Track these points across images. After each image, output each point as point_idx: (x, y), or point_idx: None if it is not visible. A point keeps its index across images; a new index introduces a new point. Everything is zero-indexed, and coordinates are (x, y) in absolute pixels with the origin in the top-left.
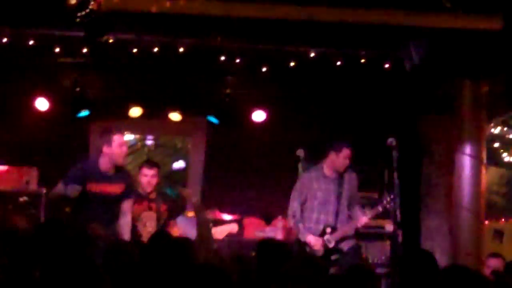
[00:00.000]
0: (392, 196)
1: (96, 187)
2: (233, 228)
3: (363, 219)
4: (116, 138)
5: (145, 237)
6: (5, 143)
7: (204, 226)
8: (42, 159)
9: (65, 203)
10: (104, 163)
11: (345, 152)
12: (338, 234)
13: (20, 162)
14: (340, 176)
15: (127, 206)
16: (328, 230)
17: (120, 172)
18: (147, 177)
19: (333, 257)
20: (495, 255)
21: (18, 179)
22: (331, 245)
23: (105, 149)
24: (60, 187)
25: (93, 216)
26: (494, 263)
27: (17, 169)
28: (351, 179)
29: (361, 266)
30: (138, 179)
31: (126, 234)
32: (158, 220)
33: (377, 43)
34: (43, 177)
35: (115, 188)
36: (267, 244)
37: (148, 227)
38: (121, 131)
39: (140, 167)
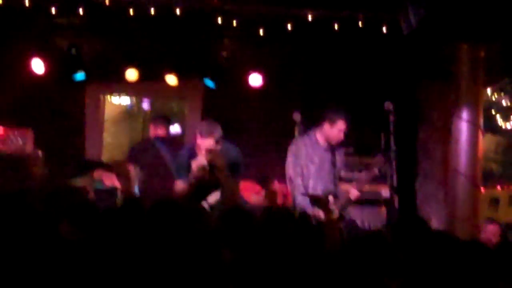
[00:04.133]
0: (385, 158)
1: None
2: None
3: (354, 192)
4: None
5: None
6: (0, 104)
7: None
8: (38, 121)
9: None
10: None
11: (340, 124)
12: (341, 203)
13: (16, 124)
14: (331, 147)
15: None
16: (331, 198)
17: None
18: None
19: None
20: (491, 220)
21: (14, 140)
22: (336, 214)
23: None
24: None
25: None
26: (490, 229)
27: (12, 130)
28: (340, 154)
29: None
30: None
31: None
32: None
33: (375, 6)
34: (39, 139)
35: None
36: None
37: None
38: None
39: None
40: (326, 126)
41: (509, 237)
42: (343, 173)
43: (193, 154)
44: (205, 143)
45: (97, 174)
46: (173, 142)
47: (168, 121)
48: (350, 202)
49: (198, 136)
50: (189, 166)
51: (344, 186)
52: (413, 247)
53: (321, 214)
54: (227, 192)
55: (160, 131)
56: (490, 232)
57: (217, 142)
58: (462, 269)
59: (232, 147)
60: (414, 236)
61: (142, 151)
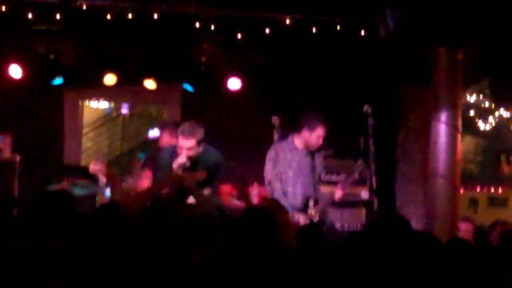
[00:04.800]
0: (366, 162)
1: None
2: None
3: (338, 192)
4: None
5: None
6: None
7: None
8: (16, 126)
9: None
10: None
11: (319, 131)
12: (321, 207)
13: None
14: (310, 151)
15: None
16: (311, 202)
17: None
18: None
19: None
20: (464, 219)
21: None
22: (316, 218)
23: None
24: None
25: None
26: (464, 227)
27: None
28: (319, 158)
29: None
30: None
31: None
32: None
33: (353, 10)
34: (17, 144)
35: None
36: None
37: None
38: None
39: None
40: (305, 133)
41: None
42: (323, 176)
43: (174, 154)
44: (186, 143)
45: (92, 168)
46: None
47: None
48: (331, 202)
49: (180, 136)
50: (170, 166)
51: (325, 189)
52: (395, 247)
53: (301, 219)
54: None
55: (175, 142)
56: (463, 231)
57: (198, 143)
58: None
59: (214, 150)
60: (396, 235)
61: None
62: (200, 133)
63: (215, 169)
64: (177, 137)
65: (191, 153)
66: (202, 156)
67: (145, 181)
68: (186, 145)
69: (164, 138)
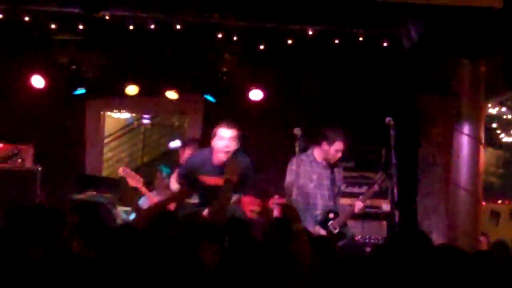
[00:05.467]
0: (387, 174)
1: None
2: None
3: (359, 204)
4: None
5: None
6: (0, 120)
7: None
8: (38, 136)
9: None
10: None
11: (338, 145)
12: (341, 219)
13: (16, 140)
14: (330, 165)
15: None
16: (331, 215)
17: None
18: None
19: (340, 243)
20: (481, 233)
21: (14, 156)
22: (336, 230)
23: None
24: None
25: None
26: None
27: (12, 146)
28: (339, 171)
29: None
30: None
31: None
32: None
33: (376, 21)
34: (39, 155)
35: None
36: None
37: None
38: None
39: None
40: (324, 146)
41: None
42: (343, 188)
43: (208, 157)
44: (227, 133)
45: (123, 172)
46: None
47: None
48: (352, 215)
49: (222, 126)
50: (200, 168)
51: (345, 201)
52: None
53: (321, 231)
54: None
55: None
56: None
57: (237, 137)
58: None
59: (245, 157)
60: (416, 249)
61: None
62: (239, 128)
63: (245, 177)
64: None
65: (230, 147)
66: (235, 158)
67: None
68: (227, 135)
69: (185, 155)
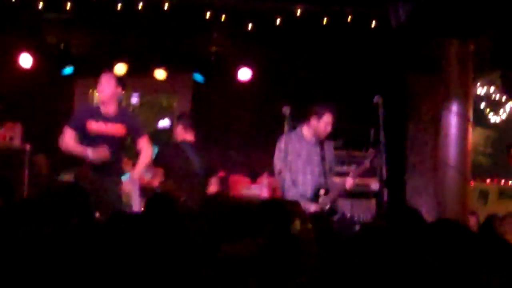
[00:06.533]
0: (377, 152)
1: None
2: None
3: (349, 180)
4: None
5: None
6: None
7: None
8: (26, 115)
9: None
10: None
11: (327, 117)
12: (332, 195)
13: (4, 118)
14: (319, 141)
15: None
16: (322, 191)
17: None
18: None
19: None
20: (471, 213)
21: (2, 135)
22: (327, 207)
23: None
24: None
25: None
26: (470, 220)
27: (0, 125)
28: (329, 148)
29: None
30: None
31: None
32: None
33: (364, 1)
34: (27, 133)
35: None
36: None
37: None
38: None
39: None
40: (313, 121)
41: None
42: (334, 166)
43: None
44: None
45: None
46: (199, 147)
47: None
48: (342, 192)
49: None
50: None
51: (335, 179)
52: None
53: (312, 207)
54: None
55: (189, 137)
56: (469, 224)
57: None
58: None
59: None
60: (409, 225)
61: (172, 156)
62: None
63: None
64: (191, 134)
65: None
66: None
67: (156, 179)
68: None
69: (178, 132)
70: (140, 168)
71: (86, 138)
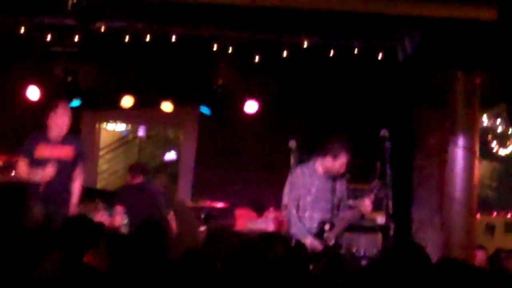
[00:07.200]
0: (382, 184)
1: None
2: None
3: (367, 203)
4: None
5: None
6: None
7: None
8: None
9: None
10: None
11: (343, 157)
12: (337, 230)
13: (12, 151)
14: (331, 177)
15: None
16: (327, 227)
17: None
18: None
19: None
20: (479, 247)
21: (9, 168)
22: (332, 242)
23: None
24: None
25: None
26: (479, 255)
27: (8, 158)
28: (342, 183)
29: None
30: None
31: None
32: None
33: (371, 34)
34: None
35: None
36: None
37: None
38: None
39: None
40: (329, 159)
41: (504, 263)
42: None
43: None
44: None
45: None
46: (148, 189)
47: (145, 170)
48: (347, 226)
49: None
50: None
51: (354, 203)
52: (412, 274)
53: (317, 244)
54: None
55: (137, 180)
56: (478, 259)
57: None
58: None
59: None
60: (412, 262)
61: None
62: None
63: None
64: (139, 178)
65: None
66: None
67: (117, 217)
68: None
69: (128, 178)
70: (77, 198)
71: (35, 163)
